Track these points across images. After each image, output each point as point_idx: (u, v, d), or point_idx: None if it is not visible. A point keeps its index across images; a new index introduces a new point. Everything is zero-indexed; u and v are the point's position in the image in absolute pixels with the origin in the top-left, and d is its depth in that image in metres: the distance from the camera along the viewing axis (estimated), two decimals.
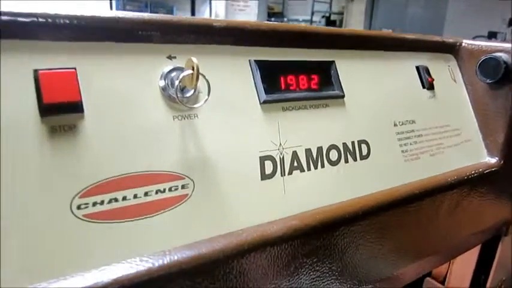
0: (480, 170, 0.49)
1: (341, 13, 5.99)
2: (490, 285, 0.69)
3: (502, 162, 0.50)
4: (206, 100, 0.28)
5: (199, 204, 0.28)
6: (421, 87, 0.48)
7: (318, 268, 0.33)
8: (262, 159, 0.32)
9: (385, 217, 0.38)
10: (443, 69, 0.53)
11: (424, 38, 0.51)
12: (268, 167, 0.32)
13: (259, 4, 5.35)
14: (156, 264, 0.24)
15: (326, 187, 0.35)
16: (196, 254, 0.26)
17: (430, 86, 0.49)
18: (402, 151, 0.42)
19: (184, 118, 0.29)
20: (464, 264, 0.69)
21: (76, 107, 0.25)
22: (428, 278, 0.74)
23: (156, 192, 0.27)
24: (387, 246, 0.40)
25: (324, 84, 0.38)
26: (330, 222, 0.32)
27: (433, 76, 0.49)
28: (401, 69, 0.47)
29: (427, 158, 0.45)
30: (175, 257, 0.25)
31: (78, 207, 0.24)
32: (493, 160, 0.51)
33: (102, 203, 0.25)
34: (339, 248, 0.34)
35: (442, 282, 0.73)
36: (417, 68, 0.49)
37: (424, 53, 0.51)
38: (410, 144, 0.43)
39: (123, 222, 0.25)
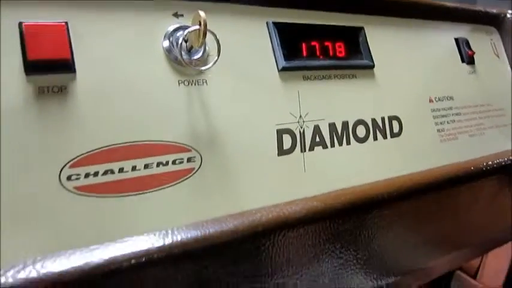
0: None
1: None
2: None
3: None
4: (216, 61, 0.25)
5: (207, 180, 0.25)
6: (460, 61, 0.43)
7: (341, 255, 0.30)
8: (280, 133, 0.28)
9: (416, 202, 0.34)
10: (485, 43, 0.47)
11: (465, 7, 0.45)
12: (287, 141, 0.28)
13: None
14: (156, 245, 0.21)
15: (352, 166, 0.31)
16: (202, 234, 0.23)
17: (470, 60, 0.44)
18: (438, 130, 0.38)
19: (192, 84, 0.26)
20: (499, 259, 0.64)
21: (66, 66, 0.22)
22: (459, 272, 0.70)
23: (158, 165, 0.23)
24: (418, 235, 0.36)
25: (352, 52, 0.34)
26: (355, 205, 0.28)
27: (474, 50, 0.44)
28: (439, 40, 0.42)
29: (466, 139, 0.40)
30: (179, 237, 0.22)
31: (68, 178, 0.21)
32: None
33: (95, 174, 0.22)
34: (365, 233, 0.30)
35: (474, 277, 0.68)
36: (456, 40, 0.44)
37: (464, 24, 0.46)
38: (447, 123, 0.39)
39: (119, 197, 0.22)
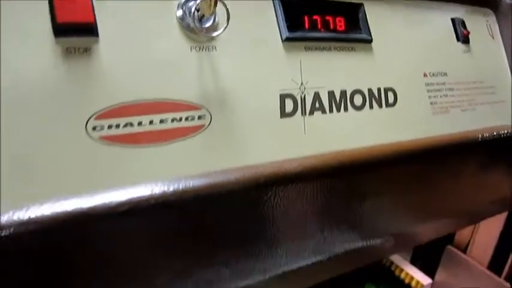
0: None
1: None
2: None
3: None
4: (225, 28, 0.27)
5: (215, 136, 0.28)
6: (456, 40, 0.45)
7: (333, 212, 0.33)
8: (283, 97, 0.31)
9: (408, 168, 0.37)
10: (481, 24, 0.49)
11: None
12: (289, 105, 0.31)
13: None
14: (171, 189, 0.24)
15: (348, 131, 0.33)
16: (210, 182, 0.25)
17: (465, 39, 0.46)
18: (431, 103, 0.40)
19: (202, 49, 0.28)
20: (488, 234, 0.67)
21: (91, 29, 0.24)
22: (449, 246, 0.73)
23: (172, 121, 0.26)
24: (406, 200, 0.39)
25: (351, 27, 0.36)
26: (349, 165, 0.31)
27: (469, 30, 0.46)
28: (436, 19, 0.44)
29: (457, 113, 0.42)
30: (191, 184, 0.25)
31: (94, 129, 0.24)
32: None
33: (117, 126, 0.24)
34: (358, 193, 0.33)
35: (464, 251, 0.71)
36: (452, 20, 0.46)
37: (461, 5, 0.48)
38: (440, 97, 0.41)
39: (138, 147, 0.25)
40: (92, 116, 0.24)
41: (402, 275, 0.79)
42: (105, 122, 0.24)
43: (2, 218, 0.20)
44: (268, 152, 0.29)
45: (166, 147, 0.26)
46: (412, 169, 0.37)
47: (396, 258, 0.84)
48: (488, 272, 0.66)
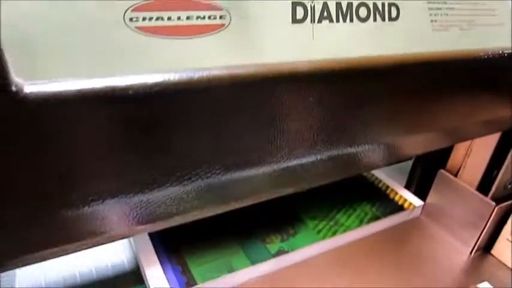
0: (507, 52, 0.49)
1: None
2: (499, 182, 0.72)
3: None
4: None
5: (234, 35, 0.31)
6: None
7: (334, 114, 0.37)
8: (294, 5, 0.34)
9: (406, 79, 0.41)
10: None
11: None
12: (299, 12, 0.34)
13: None
14: (197, 76, 0.28)
15: (353, 40, 0.37)
16: (228, 74, 0.29)
17: None
18: (431, 20, 0.43)
19: None
20: (479, 158, 0.72)
21: None
22: (442, 170, 0.78)
23: (197, 18, 0.30)
24: (404, 110, 0.43)
25: None
26: (355, 71, 0.35)
27: None
28: None
29: (456, 32, 0.45)
30: (215, 73, 0.29)
31: (130, 20, 0.27)
32: None
33: (150, 19, 0.28)
34: (358, 98, 0.37)
35: (456, 175, 0.77)
36: None
37: None
38: (441, 15, 0.44)
39: (167, 38, 0.29)
40: (129, 8, 0.27)
41: (396, 198, 0.85)
42: (140, 14, 0.28)
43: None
44: (280, 55, 0.33)
45: (190, 41, 0.29)
46: (411, 81, 0.41)
47: (391, 183, 0.90)
48: (476, 192, 0.72)
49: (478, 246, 0.75)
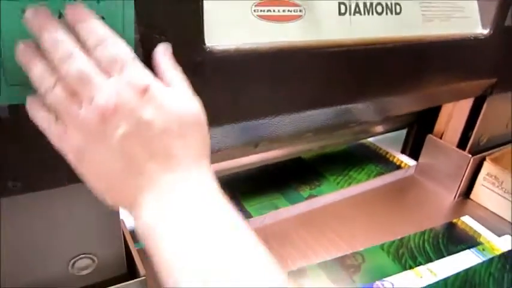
0: (473, 36, 0.71)
1: None
2: (473, 139, 0.93)
3: (491, 32, 0.72)
4: None
5: (307, 22, 0.52)
6: None
7: (359, 75, 0.58)
8: (339, 4, 0.55)
9: (406, 52, 0.62)
10: None
11: None
12: (342, 8, 0.55)
13: None
14: (287, 45, 0.49)
15: (373, 26, 0.58)
16: (306, 44, 0.50)
17: None
18: (422, 14, 0.64)
19: None
20: (458, 122, 0.94)
21: None
22: (429, 135, 1.00)
23: (284, 11, 0.50)
24: (403, 74, 0.65)
25: None
26: (374, 45, 0.56)
27: None
28: None
29: (438, 22, 0.67)
30: (297, 44, 0.50)
31: (255, 11, 0.48)
32: (485, 31, 0.73)
33: (263, 11, 0.48)
34: (377, 63, 0.59)
35: (440, 138, 0.98)
36: None
37: None
38: (428, 10, 0.65)
39: (274, 22, 0.49)
40: (254, 3, 0.48)
41: (394, 160, 1.06)
42: (259, 7, 0.48)
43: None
44: (332, 34, 0.54)
45: (287, 24, 0.50)
46: (409, 55, 0.62)
47: (390, 148, 1.11)
48: (457, 149, 0.93)
49: (460, 192, 0.96)
